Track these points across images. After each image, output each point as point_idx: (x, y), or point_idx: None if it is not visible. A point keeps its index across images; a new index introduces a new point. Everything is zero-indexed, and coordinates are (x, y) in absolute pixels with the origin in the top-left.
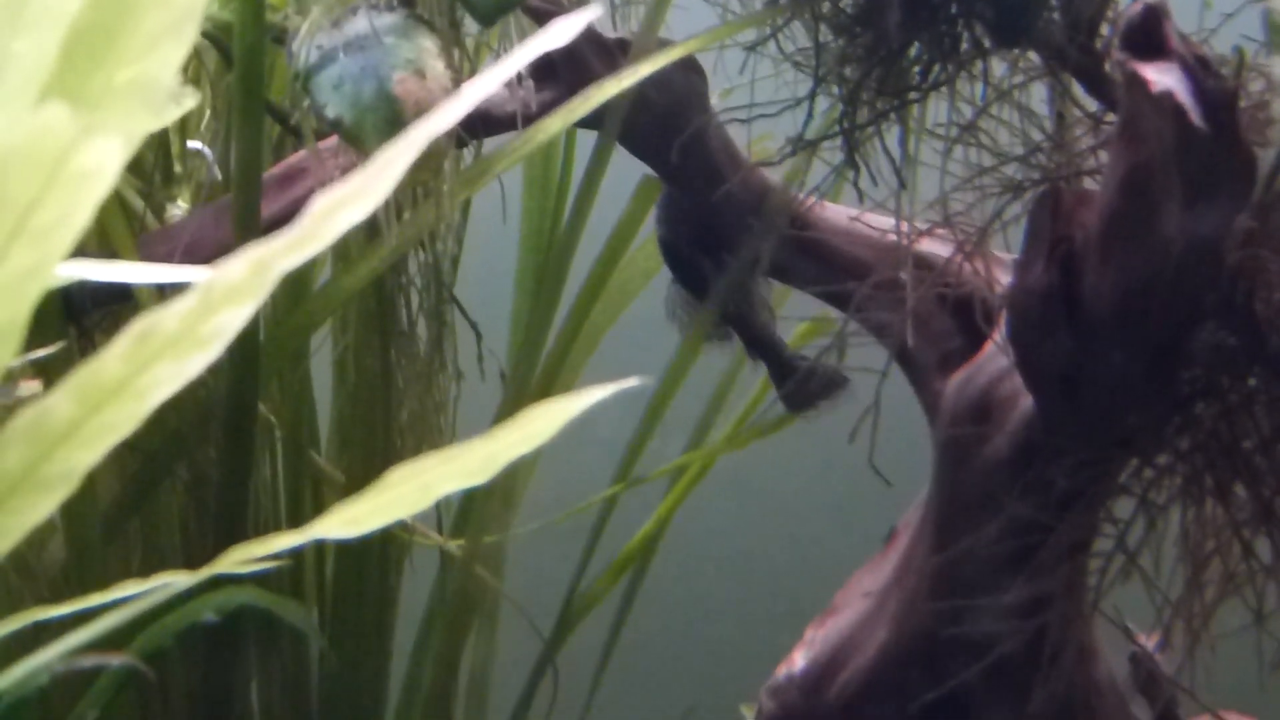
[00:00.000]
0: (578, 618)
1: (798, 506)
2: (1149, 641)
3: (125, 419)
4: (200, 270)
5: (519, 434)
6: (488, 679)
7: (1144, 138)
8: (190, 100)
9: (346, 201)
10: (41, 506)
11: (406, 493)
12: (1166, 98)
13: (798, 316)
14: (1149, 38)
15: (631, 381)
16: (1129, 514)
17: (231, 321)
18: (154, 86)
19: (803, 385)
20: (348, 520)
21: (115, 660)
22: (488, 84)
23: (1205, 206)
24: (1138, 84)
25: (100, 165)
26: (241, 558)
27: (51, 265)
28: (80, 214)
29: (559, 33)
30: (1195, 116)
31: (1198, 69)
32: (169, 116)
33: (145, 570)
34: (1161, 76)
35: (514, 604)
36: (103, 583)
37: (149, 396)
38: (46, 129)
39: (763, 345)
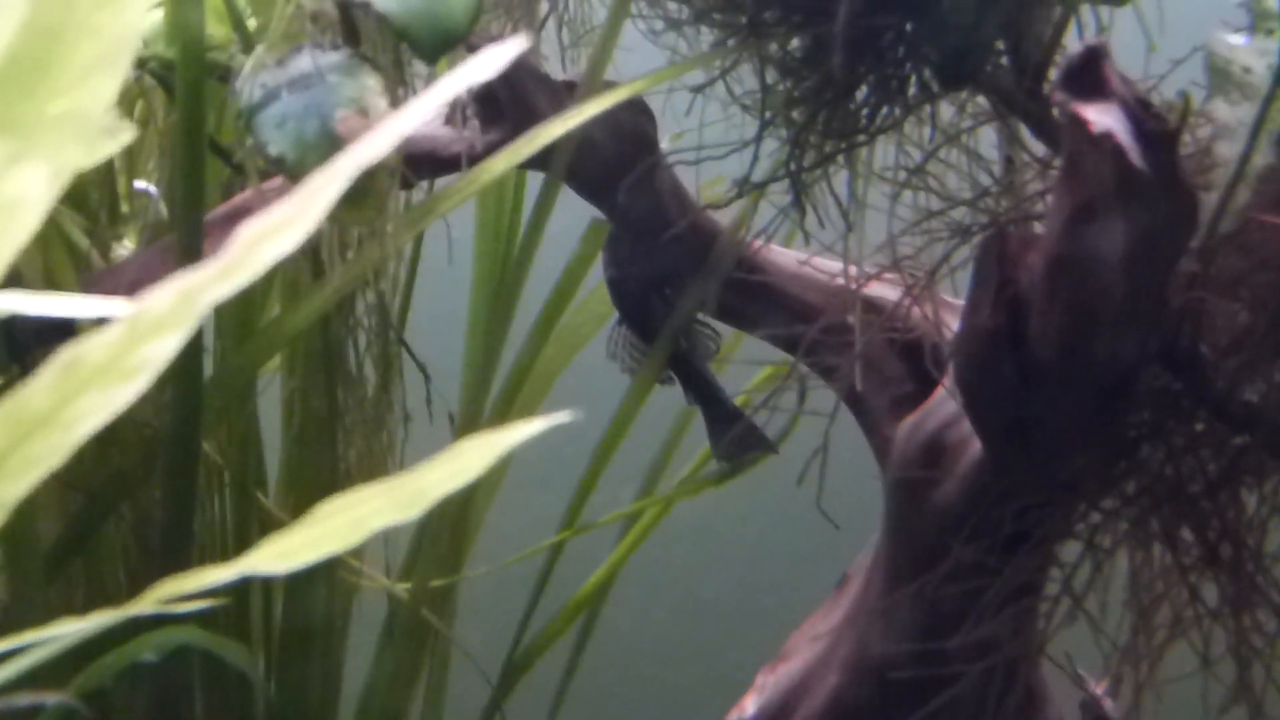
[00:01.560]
0: (528, 663)
1: (751, 553)
2: (1099, 688)
3: (52, 450)
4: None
5: (451, 468)
6: None
7: (1085, 179)
8: (127, 135)
9: (275, 230)
10: None
11: (338, 526)
12: (1106, 138)
13: (750, 360)
14: (1090, 79)
15: (565, 416)
16: (1078, 557)
17: (159, 352)
18: (86, 118)
19: (734, 437)
20: (279, 554)
21: (51, 699)
22: (419, 112)
23: (1147, 249)
24: (1078, 124)
25: (29, 194)
26: (172, 592)
27: None
28: (8, 244)
29: (489, 61)
30: (1135, 157)
31: (1138, 110)
32: (104, 150)
33: (89, 612)
34: (1101, 117)
35: (461, 649)
36: (44, 624)
37: (76, 428)
38: None
39: (702, 390)
